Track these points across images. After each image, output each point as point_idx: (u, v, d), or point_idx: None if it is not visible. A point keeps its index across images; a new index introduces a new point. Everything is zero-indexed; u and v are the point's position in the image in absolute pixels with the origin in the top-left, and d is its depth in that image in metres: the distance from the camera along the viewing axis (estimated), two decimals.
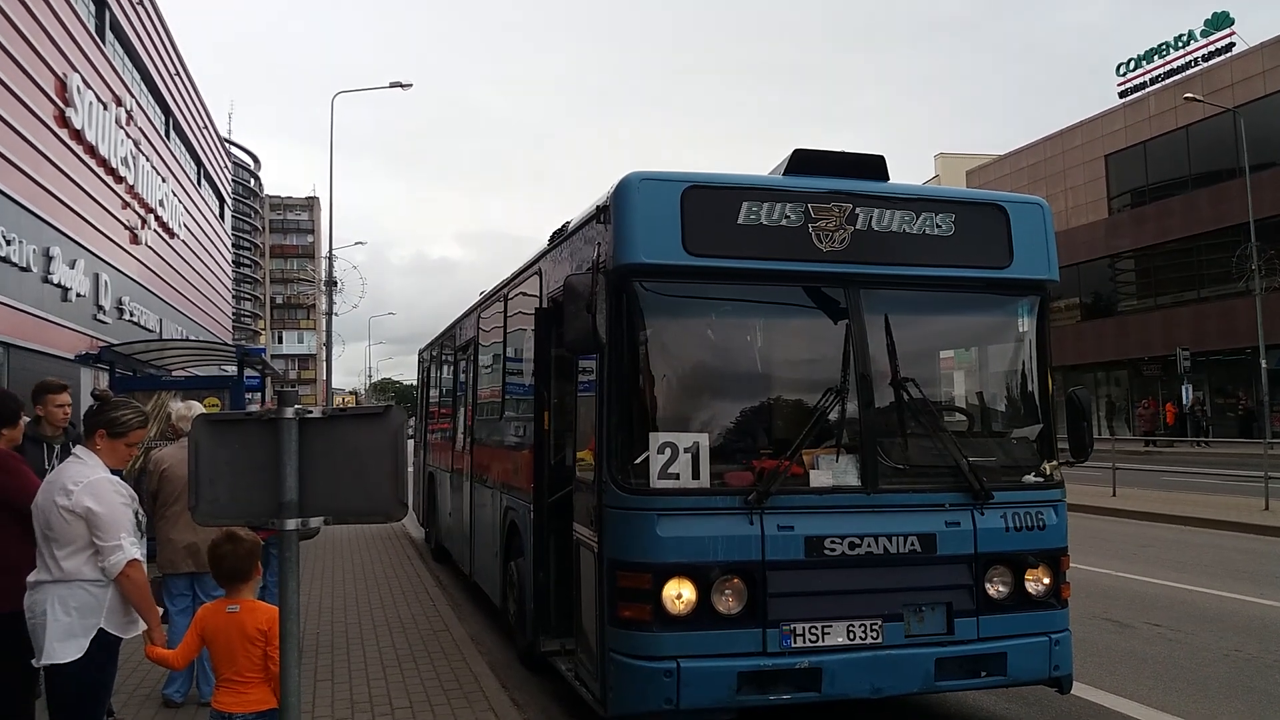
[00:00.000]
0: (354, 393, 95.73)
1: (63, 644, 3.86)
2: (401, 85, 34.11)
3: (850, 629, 4.98)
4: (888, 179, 5.66)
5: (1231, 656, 7.36)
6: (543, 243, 7.17)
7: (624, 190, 5.12)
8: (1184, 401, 34.66)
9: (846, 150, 5.64)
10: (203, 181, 35.02)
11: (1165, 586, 10.13)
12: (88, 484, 3.95)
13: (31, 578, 3.96)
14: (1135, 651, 7.53)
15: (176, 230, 27.91)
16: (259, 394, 20.18)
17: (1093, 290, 42.34)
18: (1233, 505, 16.34)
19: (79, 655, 3.86)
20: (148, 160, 24.14)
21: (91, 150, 19.42)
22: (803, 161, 5.55)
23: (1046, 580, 5.37)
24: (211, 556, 3.95)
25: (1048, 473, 5.58)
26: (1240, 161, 31.36)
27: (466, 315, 11.20)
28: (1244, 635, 7.99)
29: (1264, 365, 30.20)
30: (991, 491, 5.28)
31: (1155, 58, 39.68)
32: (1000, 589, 5.28)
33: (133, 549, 3.96)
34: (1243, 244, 31.31)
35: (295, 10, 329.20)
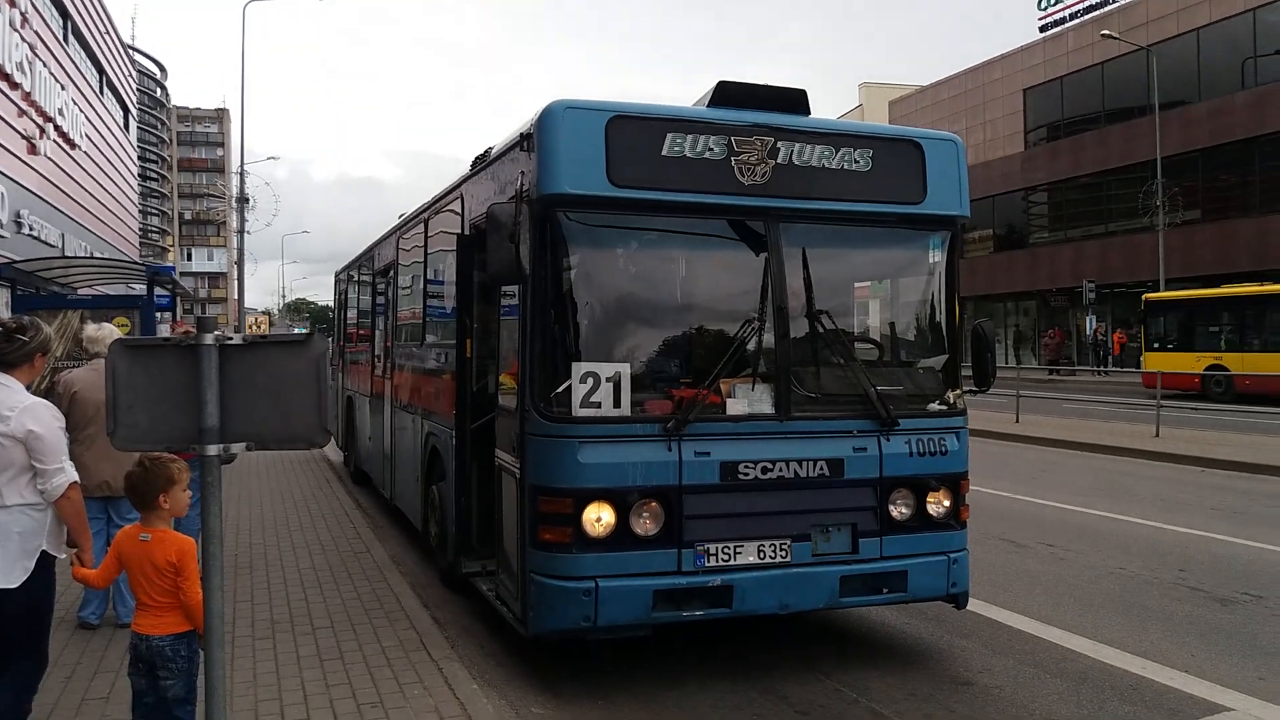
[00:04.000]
0: (267, 312, 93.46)
1: (10, 569, 3.86)
2: None
3: (761, 549, 5.19)
4: (809, 113, 5.73)
5: (1116, 574, 7.85)
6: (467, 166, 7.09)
7: (548, 118, 5.10)
8: (1088, 331, 36.03)
9: (770, 84, 5.69)
10: (105, 90, 33.27)
11: (1059, 509, 10.69)
12: (25, 408, 3.95)
13: None
14: (1028, 570, 7.99)
15: (78, 141, 26.56)
16: (169, 313, 19.63)
17: (1006, 222, 43.38)
18: (1127, 432, 17.22)
19: (25, 578, 3.89)
20: (45, 66, 22.82)
21: None
22: (726, 94, 5.58)
23: (947, 503, 5.65)
24: (125, 482, 3.95)
25: (951, 401, 5.82)
26: (1151, 99, 32.18)
27: (385, 239, 11.03)
28: (1129, 554, 8.51)
29: None
30: (898, 418, 5.52)
31: None
32: (903, 511, 5.54)
33: (72, 471, 4.00)
34: (1149, 180, 32.35)
35: None
